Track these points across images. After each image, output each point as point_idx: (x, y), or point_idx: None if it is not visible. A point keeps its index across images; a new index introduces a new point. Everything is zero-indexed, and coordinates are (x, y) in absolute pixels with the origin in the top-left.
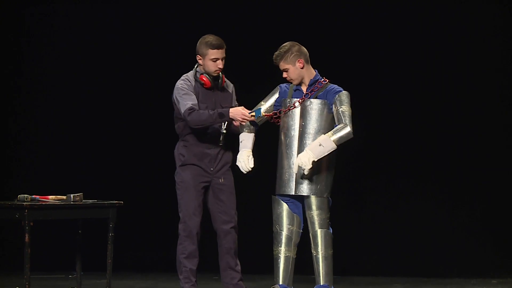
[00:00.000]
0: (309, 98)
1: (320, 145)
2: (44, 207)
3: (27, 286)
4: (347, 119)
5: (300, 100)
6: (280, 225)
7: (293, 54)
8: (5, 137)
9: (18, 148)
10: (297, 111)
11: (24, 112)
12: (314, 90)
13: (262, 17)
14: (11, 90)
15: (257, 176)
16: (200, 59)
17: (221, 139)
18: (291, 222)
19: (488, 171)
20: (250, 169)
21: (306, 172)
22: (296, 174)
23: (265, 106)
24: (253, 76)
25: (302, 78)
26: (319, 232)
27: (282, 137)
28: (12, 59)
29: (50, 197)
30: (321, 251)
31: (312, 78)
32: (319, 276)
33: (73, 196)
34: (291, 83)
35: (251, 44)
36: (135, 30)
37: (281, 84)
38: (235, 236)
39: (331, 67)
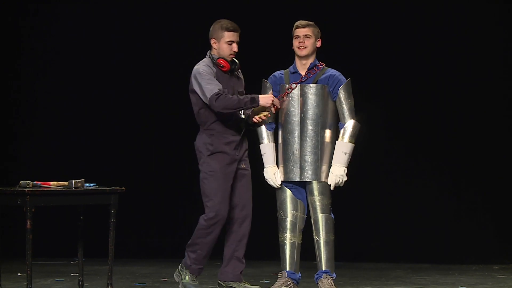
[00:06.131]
0: (309, 83)
1: (344, 153)
2: (45, 193)
3: (28, 272)
4: (347, 114)
5: (297, 82)
6: (285, 211)
7: (318, 31)
8: (6, 123)
9: (19, 134)
10: (297, 97)
11: (26, 99)
12: (312, 74)
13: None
14: (12, 77)
15: (259, 163)
16: (214, 42)
17: (243, 125)
18: (295, 208)
19: (491, 157)
20: (279, 185)
21: (341, 184)
22: (300, 160)
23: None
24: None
25: (309, 56)
26: (320, 217)
27: (283, 123)
28: (15, 45)
29: (51, 183)
30: (323, 236)
31: (312, 62)
32: (321, 261)
33: (74, 182)
34: (301, 53)
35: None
36: (135, 20)
37: (274, 73)
38: (249, 225)
39: (338, 51)
